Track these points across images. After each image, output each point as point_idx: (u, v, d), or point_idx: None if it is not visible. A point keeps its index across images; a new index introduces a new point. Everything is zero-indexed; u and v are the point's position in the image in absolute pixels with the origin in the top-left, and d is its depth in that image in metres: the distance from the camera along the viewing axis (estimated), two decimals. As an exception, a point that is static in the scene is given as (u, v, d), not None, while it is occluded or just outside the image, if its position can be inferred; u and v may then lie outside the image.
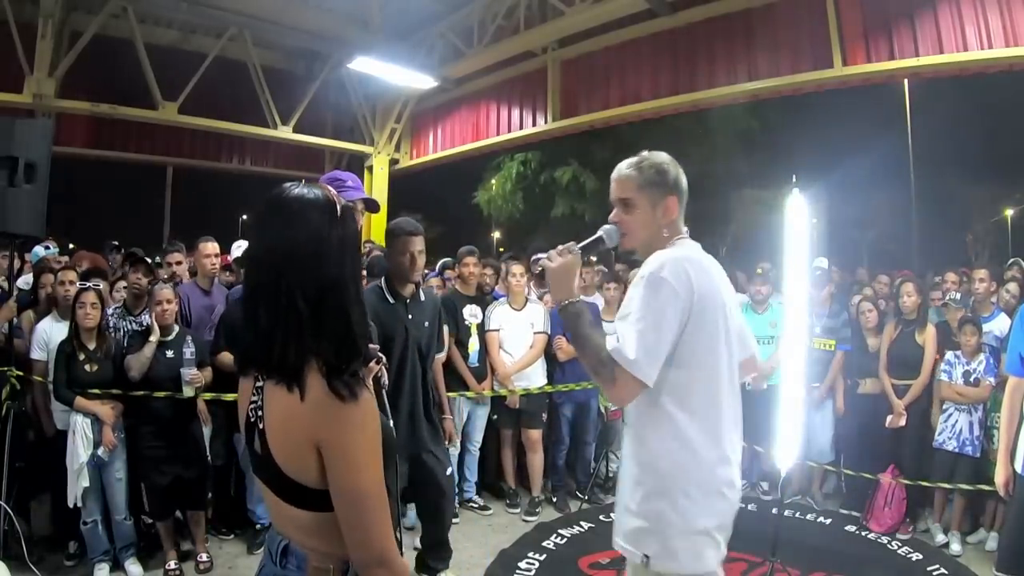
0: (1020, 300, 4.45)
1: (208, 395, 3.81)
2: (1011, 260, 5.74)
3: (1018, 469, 2.66)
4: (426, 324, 3.17)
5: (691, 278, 1.65)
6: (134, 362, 3.55)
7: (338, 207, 1.20)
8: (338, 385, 1.11)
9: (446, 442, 3.46)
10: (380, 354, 1.55)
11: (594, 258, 15.89)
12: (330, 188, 1.24)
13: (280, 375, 1.14)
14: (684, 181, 1.87)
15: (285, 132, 9.48)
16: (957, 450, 4.07)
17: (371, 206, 2.49)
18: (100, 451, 3.46)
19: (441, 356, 3.50)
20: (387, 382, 1.61)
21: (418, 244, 3.07)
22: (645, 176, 1.81)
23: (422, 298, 3.21)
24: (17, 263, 4.14)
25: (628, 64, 7.88)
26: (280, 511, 1.20)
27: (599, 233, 1.84)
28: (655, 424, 1.68)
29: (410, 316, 3.10)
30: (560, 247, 1.79)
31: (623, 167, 1.85)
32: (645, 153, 1.87)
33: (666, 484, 1.68)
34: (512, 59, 8.63)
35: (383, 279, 3.19)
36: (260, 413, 1.18)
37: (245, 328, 1.19)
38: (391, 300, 3.10)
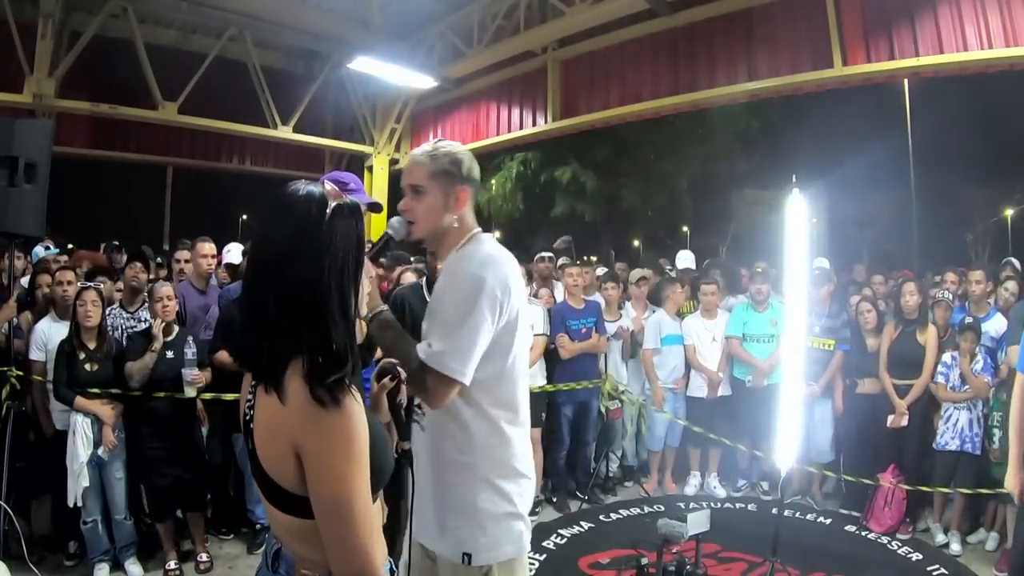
0: (1019, 298, 4.46)
1: (208, 395, 3.81)
2: (1004, 260, 5.76)
3: None
4: None
5: (507, 278, 1.68)
6: (134, 370, 3.54)
7: (329, 205, 1.15)
8: (320, 391, 1.06)
9: None
10: (399, 370, 1.47)
11: (594, 258, 15.83)
12: (331, 186, 1.21)
13: (260, 377, 1.13)
14: (477, 173, 1.81)
15: (285, 132, 9.48)
16: (959, 448, 4.07)
17: (373, 208, 2.49)
18: (100, 451, 3.46)
19: None
20: (405, 400, 1.50)
21: None
22: (439, 164, 1.75)
23: None
24: (22, 263, 4.14)
25: (628, 64, 7.88)
26: (271, 513, 1.19)
27: (386, 231, 1.79)
28: (465, 418, 1.68)
29: None
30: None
31: (417, 153, 1.79)
32: (442, 141, 1.82)
33: (481, 474, 1.67)
34: (512, 59, 8.62)
35: (424, 278, 3.20)
36: (252, 412, 1.17)
37: (241, 327, 1.19)
38: (428, 299, 3.12)
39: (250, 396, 1.19)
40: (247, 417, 1.20)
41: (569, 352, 4.79)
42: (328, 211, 1.14)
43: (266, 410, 1.12)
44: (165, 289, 3.72)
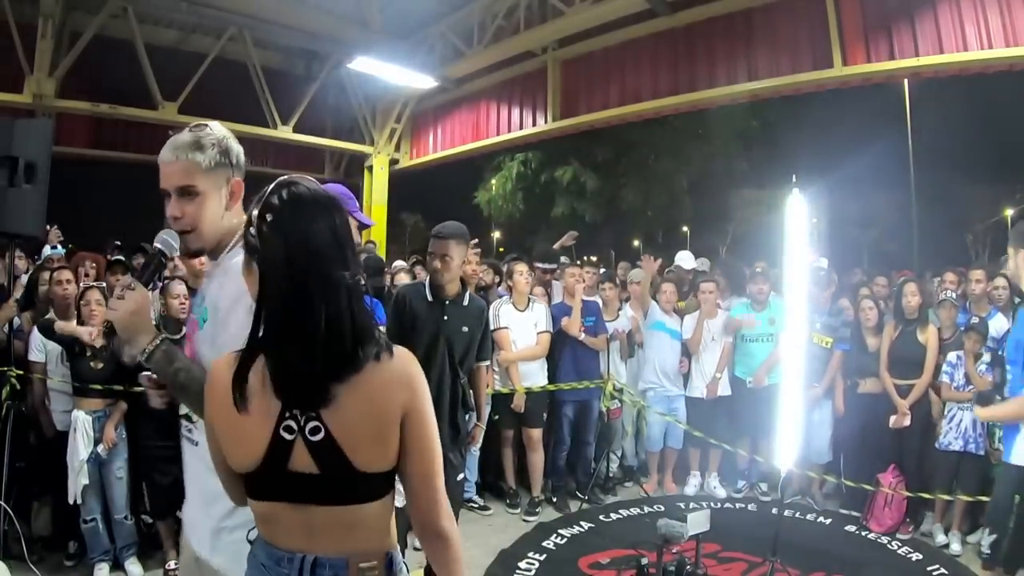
0: (1011, 293, 4.47)
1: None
2: (1003, 257, 5.74)
3: (1014, 460, 2.78)
4: (465, 329, 3.15)
5: None
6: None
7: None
8: (388, 351, 1.19)
9: (468, 446, 3.44)
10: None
11: (594, 258, 15.78)
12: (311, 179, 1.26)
13: (366, 355, 1.16)
14: (243, 157, 1.60)
15: (285, 132, 9.49)
16: (962, 449, 4.07)
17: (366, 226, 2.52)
18: (100, 448, 3.45)
19: (484, 363, 3.46)
20: None
21: (444, 248, 3.05)
22: (210, 156, 1.51)
23: (465, 302, 3.19)
24: (23, 263, 4.13)
25: (628, 64, 7.88)
26: (317, 525, 1.16)
27: (155, 247, 1.54)
28: None
29: (446, 318, 3.10)
30: (117, 289, 1.48)
31: (183, 146, 1.52)
32: (200, 125, 1.59)
33: None
34: (512, 59, 8.63)
35: (429, 278, 3.21)
36: (315, 423, 1.14)
37: (311, 344, 1.12)
38: (430, 299, 3.13)
39: (292, 412, 1.15)
40: (288, 438, 1.15)
41: (573, 324, 4.77)
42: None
43: (359, 400, 1.15)
44: (180, 288, 3.71)
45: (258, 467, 1.16)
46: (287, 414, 1.15)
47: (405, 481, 1.20)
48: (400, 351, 1.21)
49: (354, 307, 1.15)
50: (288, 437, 1.14)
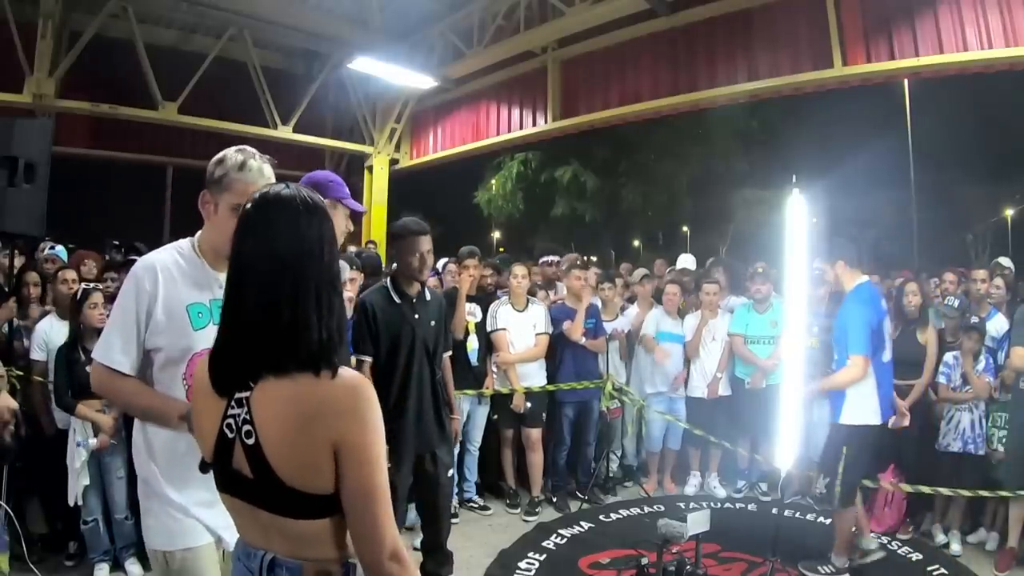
0: (1011, 295, 4.48)
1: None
2: (993, 261, 5.76)
3: (843, 420, 3.47)
4: (432, 323, 3.16)
5: None
6: None
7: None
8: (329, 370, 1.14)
9: (455, 440, 3.45)
10: None
11: (594, 258, 15.86)
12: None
13: (311, 364, 1.12)
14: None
15: (285, 132, 9.48)
16: (961, 449, 4.06)
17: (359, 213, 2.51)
18: (92, 441, 3.43)
19: (448, 354, 3.47)
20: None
21: (426, 244, 3.07)
22: None
23: (428, 297, 3.19)
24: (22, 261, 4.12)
25: (628, 64, 7.89)
26: (268, 525, 1.16)
27: None
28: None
29: (416, 316, 3.09)
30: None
31: (269, 169, 1.87)
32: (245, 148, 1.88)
33: (143, 470, 1.80)
34: (512, 59, 8.64)
35: (389, 279, 3.19)
36: (248, 427, 1.13)
37: (242, 332, 1.15)
38: (397, 300, 3.11)
39: (235, 411, 1.15)
40: (230, 436, 1.15)
41: (576, 329, 4.76)
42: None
43: (289, 415, 1.11)
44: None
45: (212, 459, 1.20)
46: (227, 411, 1.16)
47: (345, 511, 1.13)
48: (347, 376, 1.14)
49: (303, 307, 1.13)
50: (229, 435, 1.16)
